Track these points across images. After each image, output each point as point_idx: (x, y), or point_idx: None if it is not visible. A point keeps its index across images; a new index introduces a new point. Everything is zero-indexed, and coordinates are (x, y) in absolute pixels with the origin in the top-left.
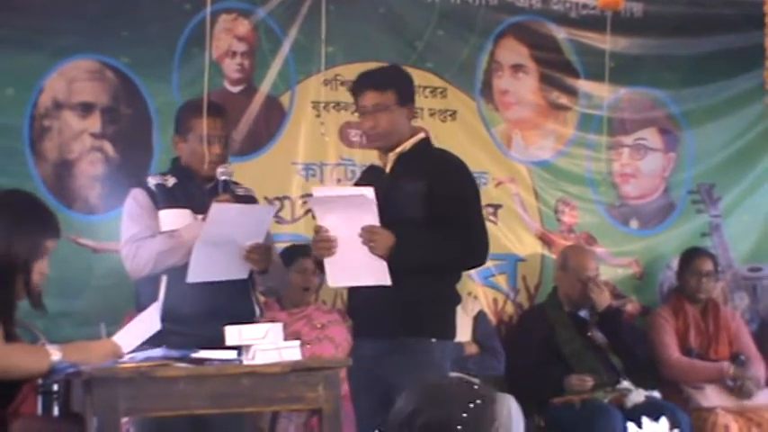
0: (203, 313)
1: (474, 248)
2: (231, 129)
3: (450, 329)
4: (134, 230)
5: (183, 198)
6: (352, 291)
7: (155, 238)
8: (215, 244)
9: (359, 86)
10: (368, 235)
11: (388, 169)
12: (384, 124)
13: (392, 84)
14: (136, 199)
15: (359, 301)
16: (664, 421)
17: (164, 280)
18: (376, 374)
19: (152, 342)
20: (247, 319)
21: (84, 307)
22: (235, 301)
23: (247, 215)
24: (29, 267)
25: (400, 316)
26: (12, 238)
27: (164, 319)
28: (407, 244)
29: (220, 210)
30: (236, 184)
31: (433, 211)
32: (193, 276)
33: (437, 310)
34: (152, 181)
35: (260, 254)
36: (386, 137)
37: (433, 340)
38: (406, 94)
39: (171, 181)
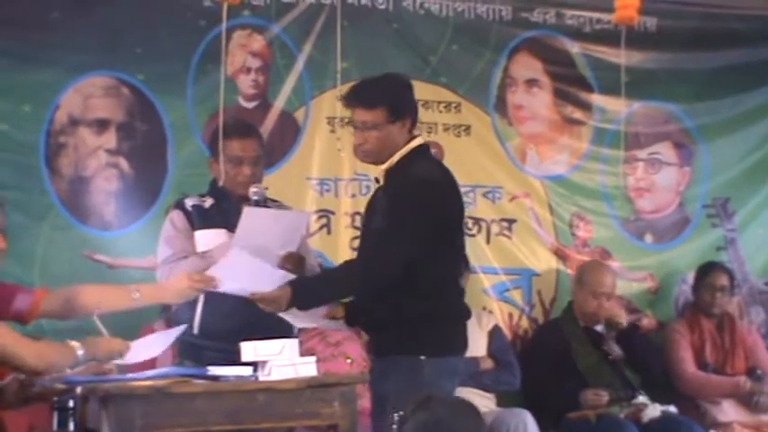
0: (240, 329)
1: (365, 270)
2: (263, 149)
3: (444, 346)
4: (168, 252)
5: (219, 218)
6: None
7: (187, 260)
8: (248, 252)
9: (348, 101)
10: (262, 304)
11: (382, 182)
12: (373, 141)
13: (382, 100)
14: (172, 221)
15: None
16: None
17: (201, 297)
18: (380, 392)
19: (191, 358)
20: (284, 334)
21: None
22: (271, 317)
23: (280, 221)
24: None
25: (391, 334)
26: None
27: (200, 335)
28: (303, 295)
29: (252, 214)
30: (273, 201)
31: None
32: (226, 286)
33: (427, 327)
34: (189, 202)
35: (293, 263)
36: (375, 154)
37: (422, 358)
38: (399, 108)
39: (208, 202)
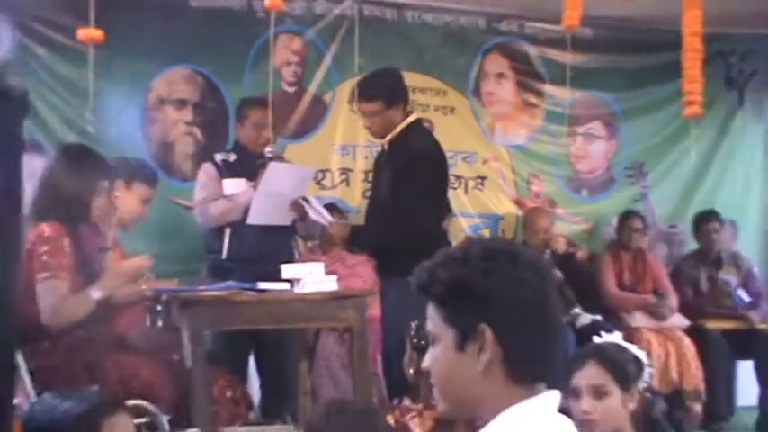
0: (256, 255)
1: (390, 233)
2: (275, 117)
3: None
4: (203, 195)
5: (241, 170)
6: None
7: (218, 201)
8: (270, 195)
9: (357, 96)
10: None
11: (387, 149)
12: (377, 125)
13: (379, 93)
14: (205, 171)
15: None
16: (617, 335)
17: (227, 232)
18: (384, 305)
19: (220, 276)
20: (288, 259)
21: (176, 249)
22: (279, 245)
23: (294, 173)
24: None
25: (386, 261)
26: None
27: (228, 259)
28: (360, 234)
29: (277, 168)
30: (280, 158)
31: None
32: (252, 219)
33: (415, 256)
34: (218, 157)
35: (298, 209)
36: (380, 133)
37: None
38: (394, 97)
39: (232, 157)
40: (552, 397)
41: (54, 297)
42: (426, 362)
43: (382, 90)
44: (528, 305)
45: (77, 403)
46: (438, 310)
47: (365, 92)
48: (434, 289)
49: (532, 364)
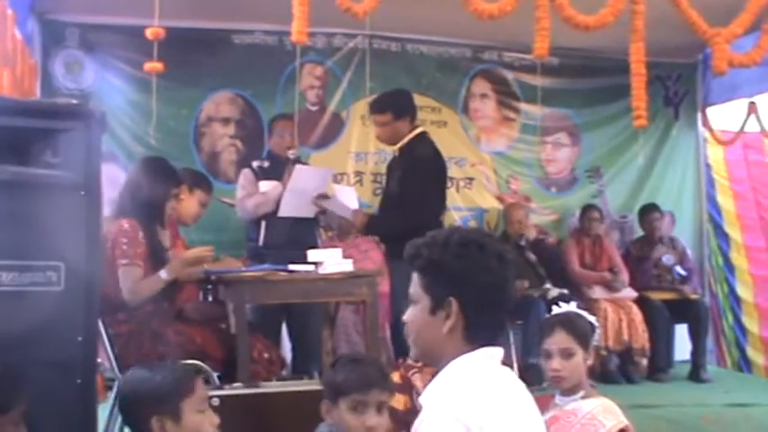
0: (286, 242)
1: (398, 222)
2: (302, 131)
3: None
4: (243, 194)
5: (273, 173)
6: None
7: (252, 197)
8: (296, 192)
9: (370, 109)
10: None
11: (397, 155)
12: (386, 134)
13: (388, 107)
14: (244, 175)
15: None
16: (573, 304)
17: (263, 224)
18: (391, 284)
19: (257, 260)
20: (312, 246)
21: (223, 238)
22: (305, 235)
23: (315, 174)
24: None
25: (393, 245)
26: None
27: (263, 246)
28: (373, 223)
29: (301, 169)
30: (303, 162)
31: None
32: (283, 213)
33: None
34: (255, 164)
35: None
36: (388, 140)
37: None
38: (401, 110)
39: (266, 163)
40: (493, 351)
41: (131, 280)
42: (405, 316)
43: (391, 104)
44: (490, 287)
45: (171, 370)
46: (419, 279)
47: (378, 105)
48: (418, 262)
49: (486, 333)
